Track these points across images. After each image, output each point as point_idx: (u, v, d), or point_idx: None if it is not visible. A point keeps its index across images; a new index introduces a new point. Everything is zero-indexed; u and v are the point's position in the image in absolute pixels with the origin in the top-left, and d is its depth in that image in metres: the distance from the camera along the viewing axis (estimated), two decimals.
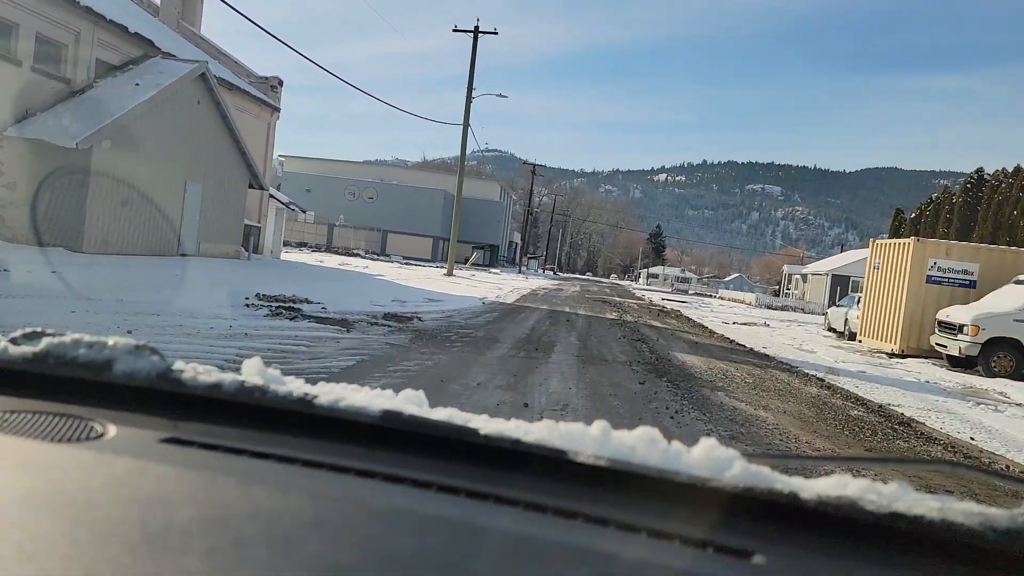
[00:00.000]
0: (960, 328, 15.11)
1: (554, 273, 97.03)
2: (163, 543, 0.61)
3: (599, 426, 0.81)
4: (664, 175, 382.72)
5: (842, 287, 44.32)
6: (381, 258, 57.05)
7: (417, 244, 69.69)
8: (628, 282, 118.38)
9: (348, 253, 55.64)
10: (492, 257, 75.42)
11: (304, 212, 29.65)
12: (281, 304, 12.53)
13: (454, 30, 33.39)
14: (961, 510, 0.66)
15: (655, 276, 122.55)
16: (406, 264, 50.25)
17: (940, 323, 16.03)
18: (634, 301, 33.37)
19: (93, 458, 0.76)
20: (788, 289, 55.76)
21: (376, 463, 0.78)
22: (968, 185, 23.61)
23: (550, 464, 0.77)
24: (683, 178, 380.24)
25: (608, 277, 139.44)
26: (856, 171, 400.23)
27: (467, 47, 33.50)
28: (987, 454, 7.11)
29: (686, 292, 71.48)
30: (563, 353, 10.79)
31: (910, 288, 17.36)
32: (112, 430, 0.84)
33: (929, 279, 17.37)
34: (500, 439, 0.79)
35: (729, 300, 52.29)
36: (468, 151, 33.62)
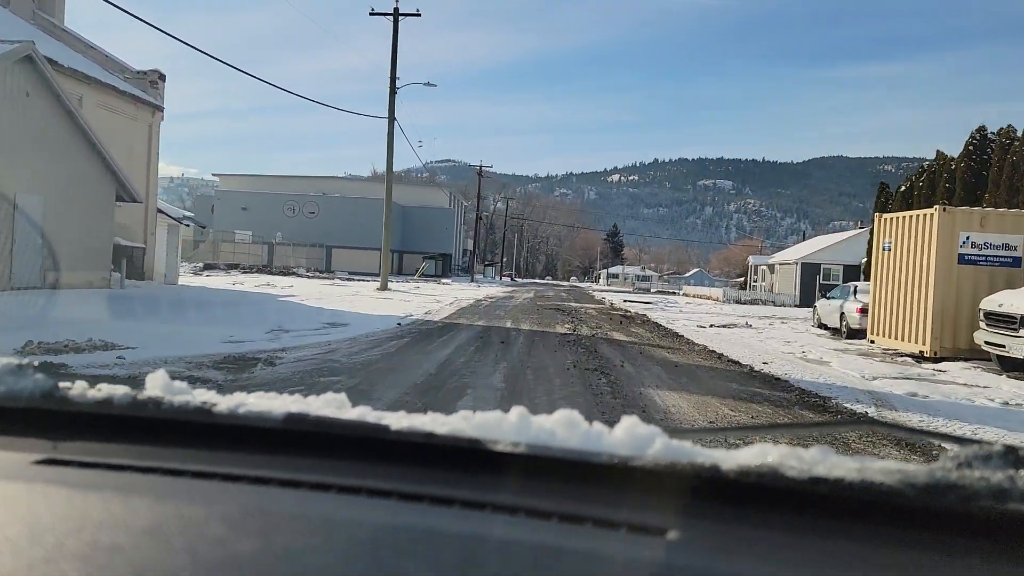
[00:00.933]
0: (1022, 321, 11.17)
1: (512, 279, 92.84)
2: (29, 567, 0.58)
3: (517, 412, 0.78)
4: (617, 175, 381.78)
5: (814, 276, 40.88)
6: (322, 275, 52.43)
7: (365, 258, 65.09)
8: (588, 284, 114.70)
9: (285, 272, 50.92)
10: (445, 267, 71.06)
11: (204, 227, 25.07)
12: (42, 358, 8.10)
13: (371, 13, 29.00)
14: (880, 469, 0.65)
15: (615, 276, 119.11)
16: (347, 280, 45.74)
17: (989, 315, 12.07)
18: (593, 306, 29.22)
19: None
20: (754, 281, 52.19)
21: (275, 469, 0.75)
22: (970, 148, 20.11)
23: (467, 456, 0.74)
24: (636, 177, 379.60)
25: (568, 280, 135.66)
26: (803, 161, 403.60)
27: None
28: None
29: (648, 291, 67.80)
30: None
31: (938, 271, 13.39)
32: None
33: (962, 259, 13.42)
34: (411, 434, 0.76)
35: (695, 297, 48.54)
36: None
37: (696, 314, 26.89)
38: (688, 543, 0.63)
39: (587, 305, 29.18)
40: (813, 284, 41.23)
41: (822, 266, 41.19)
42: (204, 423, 0.80)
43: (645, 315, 24.49)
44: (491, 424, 0.76)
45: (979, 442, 0.68)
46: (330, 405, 0.86)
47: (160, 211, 22.85)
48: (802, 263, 41.79)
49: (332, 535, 0.63)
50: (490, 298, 30.48)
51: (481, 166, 54.18)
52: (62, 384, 0.87)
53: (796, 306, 39.79)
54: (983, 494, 0.61)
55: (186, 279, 30.24)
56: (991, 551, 0.62)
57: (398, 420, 0.78)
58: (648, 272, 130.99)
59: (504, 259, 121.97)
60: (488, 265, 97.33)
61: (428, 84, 30.44)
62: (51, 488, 0.70)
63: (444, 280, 55.06)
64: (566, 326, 17.33)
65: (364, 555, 0.60)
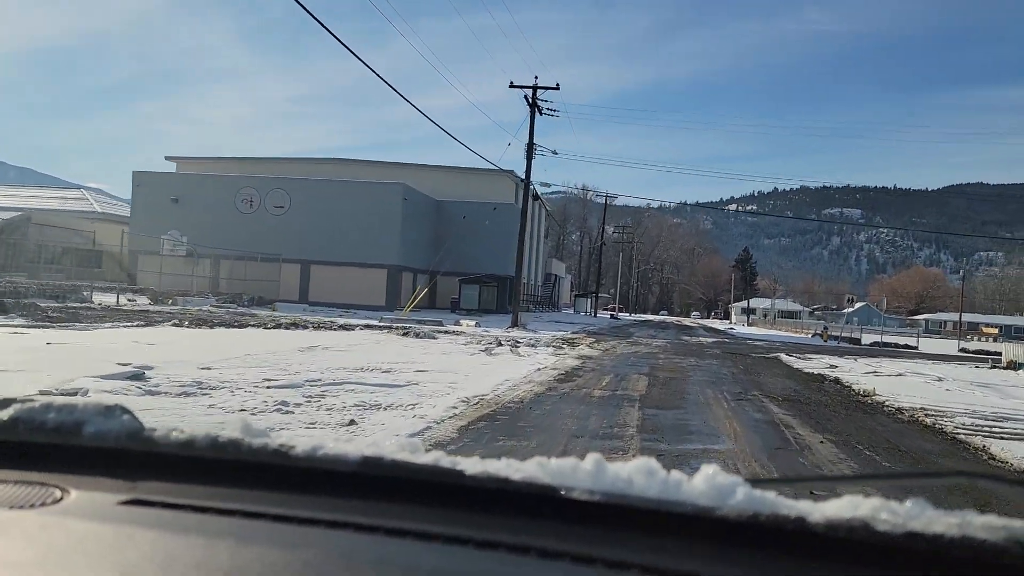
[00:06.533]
0: None
1: (613, 316, 62.07)
2: None
3: (592, 459, 0.73)
4: (734, 205, 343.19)
5: None
6: (280, 315, 24.65)
7: (362, 280, 36.84)
8: (718, 321, 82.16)
9: (168, 318, 23.05)
10: (501, 297, 41.75)
11: None
12: None
13: None
14: (982, 524, 0.58)
15: (752, 311, 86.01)
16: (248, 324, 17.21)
17: None
18: None
19: (48, 523, 0.71)
20: None
21: (351, 513, 0.72)
22: None
23: (543, 503, 0.70)
24: (755, 207, 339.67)
25: (688, 315, 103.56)
26: (940, 189, 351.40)
27: None
28: None
29: (837, 338, 35.67)
30: None
31: None
32: (73, 494, 0.78)
33: None
34: (487, 479, 0.72)
35: None
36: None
37: None
38: None
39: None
40: None
41: None
42: (282, 465, 0.77)
43: None
44: (567, 471, 0.71)
45: None
46: (404, 449, 0.81)
47: None
48: None
49: None
50: None
51: (536, 86, 24.35)
52: (148, 426, 0.84)
53: None
54: None
55: None
56: None
57: (472, 465, 0.73)
58: (795, 306, 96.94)
59: (610, 290, 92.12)
60: (580, 296, 67.29)
61: None
62: (137, 529, 0.69)
63: (465, 322, 25.82)
64: None
65: None
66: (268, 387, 8.19)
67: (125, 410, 0.87)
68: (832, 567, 0.59)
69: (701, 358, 17.00)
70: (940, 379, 14.36)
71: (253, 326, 18.91)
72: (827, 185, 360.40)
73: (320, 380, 8.78)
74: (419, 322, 23.60)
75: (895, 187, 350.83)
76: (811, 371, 14.78)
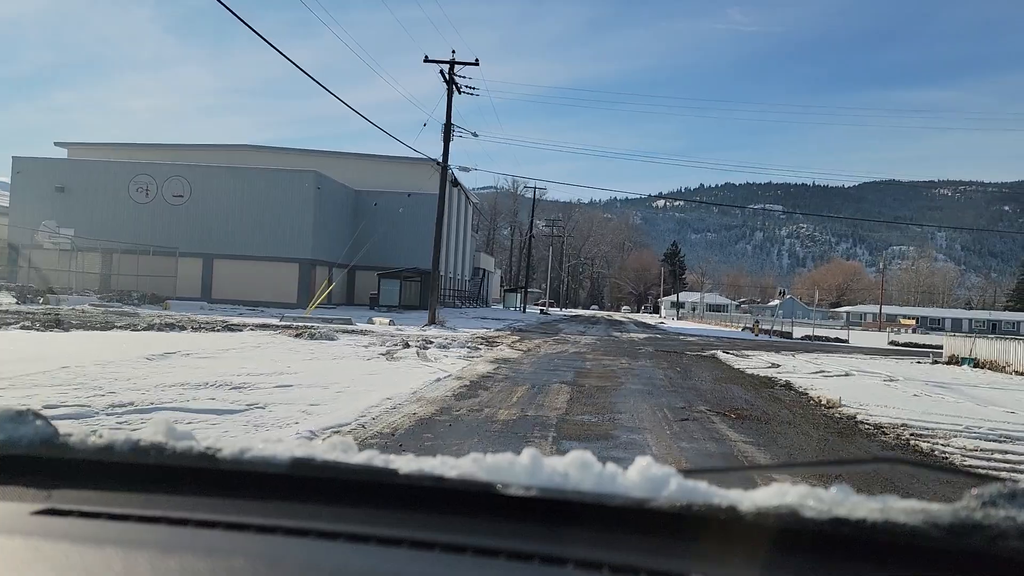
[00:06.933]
0: None
1: (543, 311, 60.46)
2: None
3: (529, 454, 0.72)
4: (662, 201, 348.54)
5: None
6: (167, 314, 21.67)
7: (271, 276, 33.90)
8: (648, 316, 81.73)
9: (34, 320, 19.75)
10: (424, 292, 39.38)
11: None
12: None
13: None
14: (903, 509, 0.60)
15: (681, 305, 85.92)
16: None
17: None
18: None
19: None
20: None
21: (281, 517, 0.69)
22: None
23: (479, 500, 0.68)
24: (682, 203, 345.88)
25: (619, 309, 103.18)
26: (856, 185, 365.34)
27: None
28: None
29: (768, 332, 34.89)
30: None
31: None
32: None
33: None
34: (421, 477, 0.69)
35: None
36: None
37: None
38: None
39: None
40: None
41: None
42: (208, 469, 0.73)
43: None
44: (503, 467, 0.69)
45: (1002, 479, 0.61)
46: (336, 449, 0.78)
47: None
48: None
49: None
50: None
51: (454, 61, 22.15)
52: (63, 431, 0.79)
53: None
54: (1011, 534, 0.55)
55: None
56: None
57: (407, 463, 0.71)
58: (722, 299, 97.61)
59: (541, 284, 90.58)
60: (510, 291, 65.40)
61: None
62: (50, 541, 0.65)
63: (379, 321, 23.48)
64: None
65: None
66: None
67: (38, 415, 0.80)
68: (763, 553, 0.59)
69: (634, 359, 15.22)
70: (892, 379, 12.94)
71: (121, 328, 16.19)
72: (750, 182, 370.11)
73: (130, 404, 6.44)
74: (325, 320, 21.16)
75: (814, 184, 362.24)
76: (755, 372, 13.14)
